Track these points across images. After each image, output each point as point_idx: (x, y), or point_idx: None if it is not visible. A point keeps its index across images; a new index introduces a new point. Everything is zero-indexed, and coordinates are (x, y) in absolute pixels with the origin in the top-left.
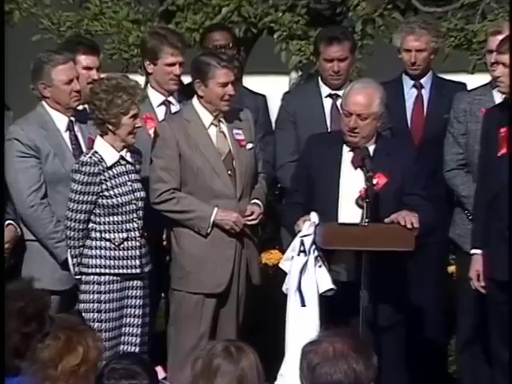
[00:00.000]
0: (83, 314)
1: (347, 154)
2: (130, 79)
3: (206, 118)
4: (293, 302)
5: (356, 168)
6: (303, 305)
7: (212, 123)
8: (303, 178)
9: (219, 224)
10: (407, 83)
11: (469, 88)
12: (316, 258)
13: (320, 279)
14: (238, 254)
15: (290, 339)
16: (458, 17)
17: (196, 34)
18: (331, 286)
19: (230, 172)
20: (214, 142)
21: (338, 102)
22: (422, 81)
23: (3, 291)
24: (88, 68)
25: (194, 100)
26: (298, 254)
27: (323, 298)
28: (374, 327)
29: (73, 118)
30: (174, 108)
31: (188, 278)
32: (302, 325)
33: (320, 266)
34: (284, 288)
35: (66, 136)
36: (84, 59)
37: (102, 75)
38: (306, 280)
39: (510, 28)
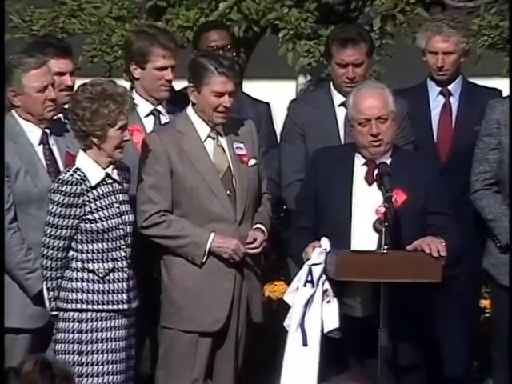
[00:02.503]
0: (61, 357)
1: (360, 169)
2: (118, 85)
3: (202, 129)
4: (293, 339)
5: (370, 185)
6: (305, 344)
7: (209, 136)
8: (310, 198)
9: (216, 252)
10: (433, 90)
11: (505, 95)
12: (325, 291)
13: (327, 317)
14: (238, 286)
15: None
16: (492, 12)
17: (189, 33)
18: (338, 325)
19: (229, 192)
20: (211, 157)
21: None
22: (450, 87)
23: (3, 291)
24: (60, 73)
25: (189, 109)
26: (305, 285)
27: (331, 337)
28: (393, 370)
29: (47, 130)
30: (164, 119)
31: (180, 314)
32: (300, 367)
33: (328, 302)
34: (285, 323)
35: (40, 150)
36: (55, 64)
37: (84, 81)
38: (310, 316)
39: (510, 28)
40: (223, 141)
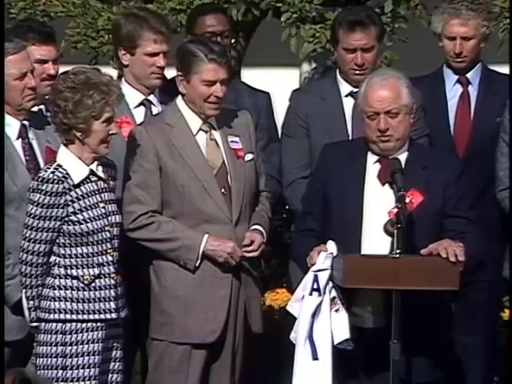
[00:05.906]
0: (43, 372)
1: (372, 167)
2: (103, 73)
3: (194, 122)
4: (302, 353)
5: (384, 184)
6: (315, 358)
7: (201, 129)
8: (317, 199)
9: (210, 255)
10: (450, 78)
11: None
12: (332, 299)
13: (336, 327)
14: (235, 293)
15: None
16: None
17: (183, 17)
18: (349, 335)
19: (223, 190)
20: (203, 152)
21: None
22: (469, 75)
23: (3, 290)
24: (42, 61)
25: (179, 99)
26: (311, 294)
27: (339, 350)
28: None
29: (26, 123)
30: (156, 110)
31: (172, 324)
32: (312, 382)
33: (337, 311)
34: (292, 336)
35: (18, 145)
36: (36, 50)
37: (67, 68)
38: (318, 327)
39: (511, 28)
40: (217, 134)
